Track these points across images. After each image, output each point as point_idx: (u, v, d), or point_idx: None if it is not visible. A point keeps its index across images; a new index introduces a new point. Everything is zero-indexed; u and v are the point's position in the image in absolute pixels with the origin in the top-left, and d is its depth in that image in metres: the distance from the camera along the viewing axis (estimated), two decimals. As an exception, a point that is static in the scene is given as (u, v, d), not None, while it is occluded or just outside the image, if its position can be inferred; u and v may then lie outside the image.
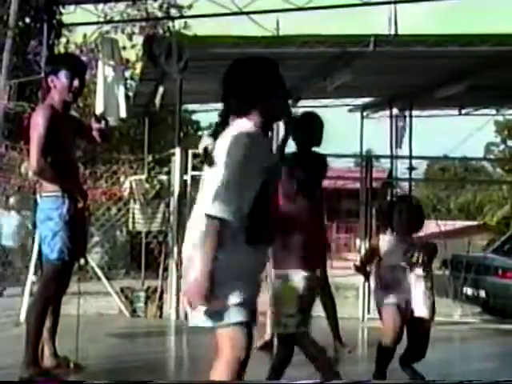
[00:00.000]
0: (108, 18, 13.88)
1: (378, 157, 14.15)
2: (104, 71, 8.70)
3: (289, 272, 4.79)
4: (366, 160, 9.89)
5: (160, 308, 9.06)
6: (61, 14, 10.65)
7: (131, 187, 9.72)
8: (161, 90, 11.52)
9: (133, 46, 15.63)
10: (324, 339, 5.55)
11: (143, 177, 9.97)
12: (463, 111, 15.85)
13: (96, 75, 9.29)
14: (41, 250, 5.82)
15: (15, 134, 9.28)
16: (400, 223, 5.39)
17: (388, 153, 14.94)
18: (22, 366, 5.23)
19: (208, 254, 3.34)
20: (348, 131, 18.29)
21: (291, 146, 6.00)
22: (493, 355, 7.43)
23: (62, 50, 14.41)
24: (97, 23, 12.80)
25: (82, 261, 5.99)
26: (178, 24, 15.92)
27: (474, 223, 30.51)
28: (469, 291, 11.15)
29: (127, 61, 15.35)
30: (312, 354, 4.86)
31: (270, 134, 3.78)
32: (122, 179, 10.79)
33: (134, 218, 9.76)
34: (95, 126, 5.83)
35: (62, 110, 5.47)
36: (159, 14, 15.39)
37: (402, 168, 15.38)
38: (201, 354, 6.96)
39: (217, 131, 3.54)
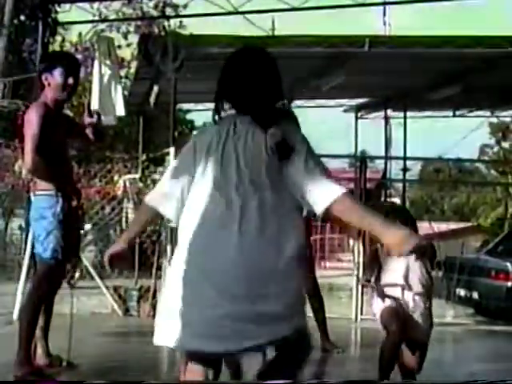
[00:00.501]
0: (103, 16, 13.85)
1: (372, 158, 14.20)
2: (100, 70, 8.69)
3: None
4: (361, 161, 9.91)
5: (153, 307, 9.03)
6: (56, 12, 10.65)
7: (125, 186, 9.73)
8: (155, 89, 11.52)
9: (128, 45, 15.60)
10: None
11: (137, 176, 9.98)
12: (458, 113, 15.89)
13: (91, 74, 9.28)
14: (34, 249, 5.81)
15: (9, 132, 9.27)
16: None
17: (382, 154, 14.97)
18: (15, 364, 5.21)
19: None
20: (342, 132, 18.33)
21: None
22: (485, 356, 7.44)
23: (58, 49, 14.39)
24: (92, 22, 12.79)
25: (76, 260, 5.99)
26: (173, 23, 15.90)
27: (468, 225, 30.59)
28: (462, 292, 11.16)
29: (122, 60, 15.32)
30: None
31: None
32: (116, 178, 10.79)
33: (127, 216, 9.76)
34: (88, 120, 5.74)
35: (56, 108, 5.46)
36: (154, 13, 15.36)
37: (396, 169, 15.43)
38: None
39: (267, 121, 3.24)
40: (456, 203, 36.19)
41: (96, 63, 8.84)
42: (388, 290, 5.23)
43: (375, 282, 5.33)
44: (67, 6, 10.27)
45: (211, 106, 3.45)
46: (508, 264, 10.62)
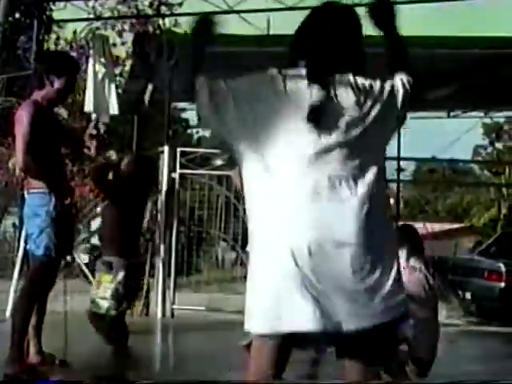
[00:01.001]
0: (98, 14, 13.83)
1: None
2: (95, 68, 8.68)
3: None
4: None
5: (146, 306, 9.04)
6: (51, 10, 10.65)
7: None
8: (150, 87, 11.51)
9: (123, 43, 15.57)
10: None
11: (131, 174, 9.94)
12: (452, 113, 15.90)
13: (86, 72, 9.26)
14: (27, 247, 5.80)
15: (3, 129, 9.25)
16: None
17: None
18: (7, 362, 5.21)
19: None
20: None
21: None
22: (478, 357, 7.45)
23: (52, 47, 14.36)
24: (87, 20, 12.77)
25: (69, 258, 5.99)
26: (168, 22, 15.88)
27: (461, 225, 30.65)
28: (455, 293, 11.19)
29: (117, 58, 15.31)
30: (109, 338, 6.28)
31: None
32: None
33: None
34: (93, 132, 5.81)
35: (48, 107, 5.44)
36: (150, 12, 15.35)
37: (390, 169, 15.44)
38: (187, 351, 6.98)
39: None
40: (450, 203, 36.27)
41: (90, 61, 8.83)
42: None
43: None
44: (62, 3, 10.27)
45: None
46: (501, 265, 10.65)
